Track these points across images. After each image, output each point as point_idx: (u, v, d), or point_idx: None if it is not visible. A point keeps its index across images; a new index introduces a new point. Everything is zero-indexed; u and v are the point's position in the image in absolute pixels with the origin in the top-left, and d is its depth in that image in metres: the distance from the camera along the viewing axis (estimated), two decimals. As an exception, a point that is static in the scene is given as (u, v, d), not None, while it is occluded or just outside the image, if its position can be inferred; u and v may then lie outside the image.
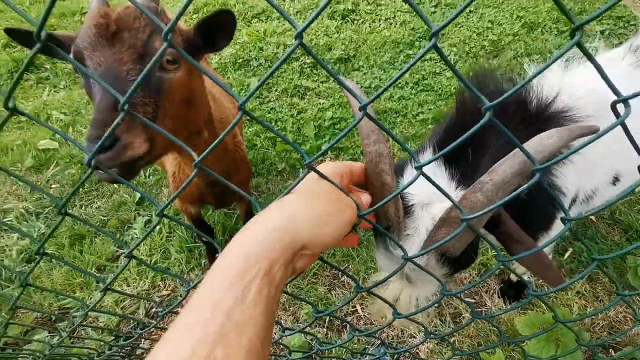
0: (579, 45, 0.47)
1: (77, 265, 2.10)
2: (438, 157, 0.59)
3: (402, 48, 3.67)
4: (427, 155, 1.03)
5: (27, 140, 3.00)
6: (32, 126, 3.18)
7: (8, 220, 2.43)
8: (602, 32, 3.63)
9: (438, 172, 0.96)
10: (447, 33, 3.83)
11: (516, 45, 3.52)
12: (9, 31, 0.90)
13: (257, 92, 3.37)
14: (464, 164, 0.94)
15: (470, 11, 4.08)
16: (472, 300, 1.93)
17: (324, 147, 0.61)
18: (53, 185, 2.69)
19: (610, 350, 1.65)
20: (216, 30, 0.98)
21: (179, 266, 2.13)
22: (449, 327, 1.81)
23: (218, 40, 0.99)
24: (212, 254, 2.10)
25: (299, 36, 0.49)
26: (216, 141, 0.56)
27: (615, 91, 0.50)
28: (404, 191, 0.87)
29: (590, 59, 0.48)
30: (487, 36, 3.71)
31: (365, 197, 0.71)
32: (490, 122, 0.53)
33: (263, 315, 0.44)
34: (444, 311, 1.89)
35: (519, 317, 1.52)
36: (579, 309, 1.82)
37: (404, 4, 4.30)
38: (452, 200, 0.63)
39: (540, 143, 0.64)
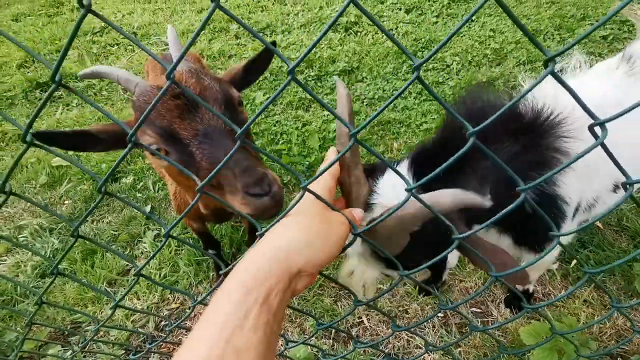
0: (553, 74, 0.50)
1: (88, 282, 2.16)
2: (428, 179, 0.61)
3: (404, 59, 3.71)
4: (403, 167, 1.06)
5: (41, 157, 3.09)
6: (46, 144, 3.28)
7: (23, 237, 2.50)
8: (605, 38, 3.63)
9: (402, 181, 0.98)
10: (449, 43, 3.86)
11: (518, 53, 3.54)
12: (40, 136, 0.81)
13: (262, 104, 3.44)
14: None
15: (472, 20, 4.11)
16: (478, 310, 1.92)
17: (319, 169, 0.64)
18: (66, 202, 2.77)
19: (618, 359, 1.63)
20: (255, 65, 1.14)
21: (187, 279, 2.17)
22: (454, 337, 1.81)
23: (254, 75, 1.14)
24: (219, 268, 2.14)
25: (291, 72, 0.53)
26: (217, 168, 0.60)
27: (591, 115, 0.53)
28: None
29: (565, 86, 0.51)
30: (489, 45, 3.73)
31: (357, 213, 0.74)
32: (475, 145, 0.56)
33: (262, 342, 0.48)
34: (450, 321, 1.89)
35: (523, 327, 1.52)
36: (586, 318, 1.80)
37: (405, 15, 4.36)
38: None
39: (437, 200, 0.67)
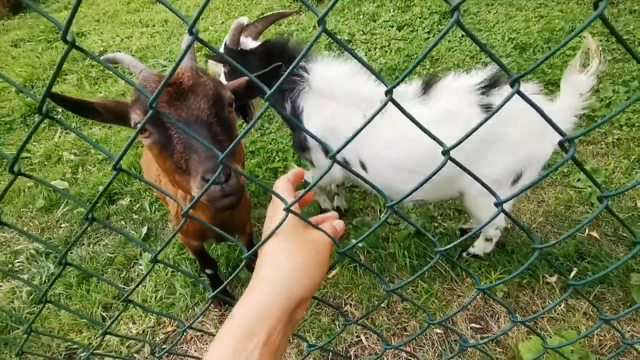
0: (519, 93, 0.51)
1: (84, 307, 2.14)
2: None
3: (397, 74, 3.76)
4: None
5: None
6: (44, 167, 3.30)
7: (19, 262, 2.49)
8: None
9: None
10: (441, 58, 3.93)
11: (509, 66, 3.60)
12: (56, 97, 0.90)
13: (258, 123, 3.47)
14: None
15: (462, 36, 4.19)
16: (478, 326, 1.90)
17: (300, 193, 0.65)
18: (63, 225, 2.77)
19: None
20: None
21: (183, 301, 2.15)
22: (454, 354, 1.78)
23: (255, 90, 1.18)
24: (215, 287, 2.12)
25: (269, 98, 0.55)
26: (208, 185, 0.61)
27: (559, 132, 0.54)
28: None
29: (532, 104, 0.53)
30: (480, 59, 3.80)
31: (338, 224, 0.71)
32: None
33: None
34: (449, 338, 1.87)
35: (523, 342, 1.50)
36: (586, 331, 1.78)
37: (397, 32, 4.45)
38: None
39: None
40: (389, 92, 0.53)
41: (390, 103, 0.54)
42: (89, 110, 0.99)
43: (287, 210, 0.63)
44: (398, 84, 0.52)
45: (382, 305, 2.02)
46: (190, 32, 0.50)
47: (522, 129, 1.57)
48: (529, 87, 1.62)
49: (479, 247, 2.14)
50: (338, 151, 0.57)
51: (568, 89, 1.62)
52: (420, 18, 4.61)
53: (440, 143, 0.55)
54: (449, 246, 0.65)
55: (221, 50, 2.00)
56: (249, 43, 1.96)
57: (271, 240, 0.61)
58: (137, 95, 1.01)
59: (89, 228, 2.70)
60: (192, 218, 0.70)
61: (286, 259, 0.58)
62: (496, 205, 0.60)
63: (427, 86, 1.66)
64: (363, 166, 1.82)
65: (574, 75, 1.57)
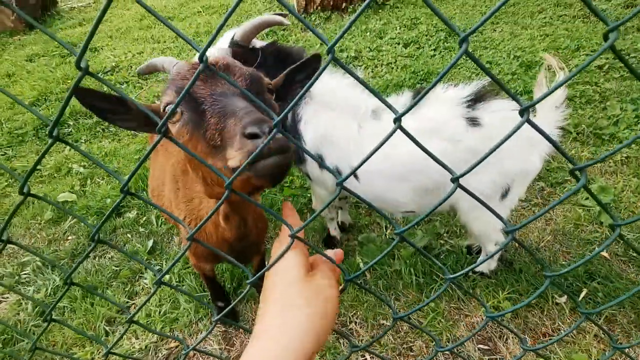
0: (529, 122, 0.51)
1: (83, 327, 2.13)
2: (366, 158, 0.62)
3: (404, 91, 3.79)
4: None
5: (47, 193, 3.15)
6: (53, 179, 3.35)
7: (25, 274, 2.50)
8: (600, 67, 3.70)
9: None
10: (447, 75, 3.96)
11: (515, 84, 3.61)
12: (80, 92, 0.78)
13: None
14: None
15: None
16: (486, 347, 1.86)
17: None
18: (69, 237, 2.79)
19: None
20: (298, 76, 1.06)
21: (187, 316, 2.14)
22: (462, 377, 1.74)
23: (296, 88, 1.06)
24: (218, 301, 2.08)
25: (277, 125, 0.55)
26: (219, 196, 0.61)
27: (570, 161, 0.54)
28: None
29: (540, 132, 0.53)
30: (485, 76, 3.81)
31: (338, 254, 0.72)
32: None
33: None
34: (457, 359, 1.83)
35: (532, 366, 1.47)
36: (597, 354, 1.73)
37: (404, 49, 4.51)
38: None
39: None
40: (397, 120, 0.54)
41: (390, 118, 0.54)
42: (117, 109, 0.86)
43: (294, 237, 0.63)
44: (406, 112, 0.52)
45: (388, 323, 1.99)
46: (201, 60, 0.51)
47: (508, 144, 1.57)
48: (516, 104, 1.65)
49: (483, 264, 2.12)
50: (345, 179, 0.57)
51: (543, 105, 1.66)
52: (426, 35, 4.67)
53: (450, 171, 0.55)
54: (458, 274, 0.64)
55: (224, 43, 1.89)
56: (255, 41, 1.87)
57: (277, 289, 0.60)
58: (171, 79, 0.91)
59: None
60: (198, 242, 0.70)
61: (298, 317, 0.57)
62: (507, 232, 0.59)
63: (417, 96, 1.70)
64: (355, 176, 1.83)
65: (542, 90, 1.62)
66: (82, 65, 0.52)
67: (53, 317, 0.78)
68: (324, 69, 0.50)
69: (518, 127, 0.50)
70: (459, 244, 2.34)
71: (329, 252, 0.71)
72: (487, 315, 0.74)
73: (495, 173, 1.65)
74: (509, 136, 0.50)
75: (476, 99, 1.64)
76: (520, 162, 1.66)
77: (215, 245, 1.34)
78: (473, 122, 1.61)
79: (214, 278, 1.95)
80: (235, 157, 0.67)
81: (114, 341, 0.79)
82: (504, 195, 1.72)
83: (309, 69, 1.04)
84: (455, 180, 0.55)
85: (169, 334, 2.08)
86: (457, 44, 4.44)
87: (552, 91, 0.50)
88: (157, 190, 1.78)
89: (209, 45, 0.50)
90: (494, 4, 5.13)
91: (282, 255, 0.62)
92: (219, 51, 1.01)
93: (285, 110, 0.55)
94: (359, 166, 0.55)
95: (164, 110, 0.87)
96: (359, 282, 0.73)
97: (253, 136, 0.64)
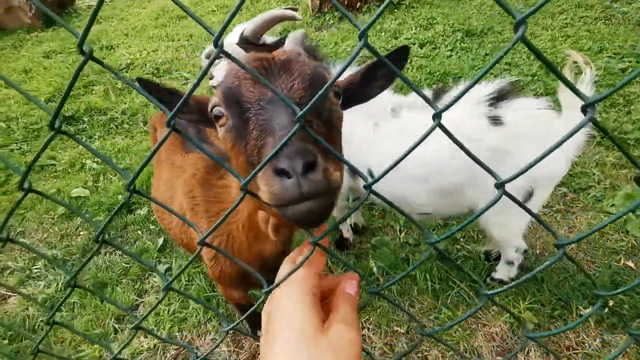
0: (592, 120, 0.45)
1: (92, 322, 2.11)
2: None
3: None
4: None
5: (61, 188, 3.16)
6: (67, 175, 3.36)
7: (36, 268, 2.50)
8: (623, 70, 3.56)
9: None
10: (464, 76, 3.87)
11: (535, 85, 3.50)
12: (142, 82, 0.74)
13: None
14: None
15: (486, 54, 4.13)
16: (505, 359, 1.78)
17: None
18: (81, 233, 2.78)
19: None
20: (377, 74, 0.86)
21: (196, 316, 2.10)
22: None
23: (377, 82, 0.87)
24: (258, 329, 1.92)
25: (300, 119, 0.50)
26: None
27: (615, 141, 0.47)
28: None
29: (605, 132, 0.46)
30: (505, 78, 3.71)
31: (352, 284, 0.61)
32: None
33: None
34: (474, 371, 1.75)
35: (558, 383, 1.38)
36: (626, 372, 1.64)
37: (419, 49, 4.42)
38: None
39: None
40: (437, 117, 0.48)
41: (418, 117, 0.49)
42: (172, 100, 0.78)
43: (314, 244, 0.57)
44: (447, 108, 0.47)
45: (402, 331, 1.93)
46: (215, 44, 0.46)
47: (533, 145, 1.53)
48: (540, 103, 1.60)
49: (502, 271, 2.04)
50: (374, 182, 0.52)
51: (568, 103, 1.59)
52: (442, 36, 4.58)
53: (494, 175, 0.49)
54: (496, 291, 0.58)
55: (233, 38, 1.81)
56: (265, 37, 1.77)
57: (284, 343, 0.50)
58: (224, 76, 0.79)
59: (107, 236, 2.71)
60: (209, 246, 0.63)
61: None
62: (558, 247, 0.53)
63: (437, 96, 1.66)
64: (371, 174, 1.77)
65: (566, 89, 1.55)
66: (85, 49, 0.48)
67: (55, 320, 0.74)
68: (357, 53, 0.45)
69: (582, 126, 0.44)
70: (477, 249, 2.25)
71: (347, 277, 0.61)
72: (527, 335, 0.67)
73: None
74: (574, 132, 0.44)
75: (498, 98, 1.59)
76: (547, 165, 1.59)
77: (246, 261, 1.10)
78: (495, 120, 1.56)
79: (249, 306, 1.68)
80: (262, 192, 0.57)
81: (120, 348, 0.75)
82: (527, 199, 1.65)
83: (397, 62, 0.81)
84: (500, 185, 0.49)
85: (177, 335, 2.04)
86: (474, 45, 4.35)
87: (621, 87, 0.43)
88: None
89: (222, 31, 0.45)
90: (511, 3, 5.01)
91: (298, 267, 0.56)
92: (291, 41, 0.85)
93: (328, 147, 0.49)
94: (394, 166, 0.49)
95: (211, 111, 0.77)
96: (383, 293, 0.67)
97: (282, 172, 0.54)
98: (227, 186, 1.20)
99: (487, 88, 1.64)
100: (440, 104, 1.65)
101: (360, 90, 0.87)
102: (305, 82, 0.72)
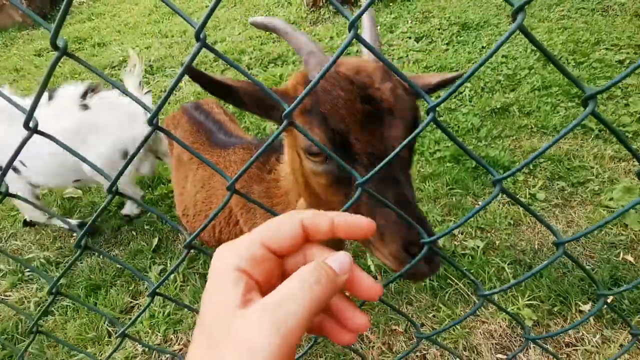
0: (594, 114, 0.42)
1: (84, 326, 2.07)
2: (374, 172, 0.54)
3: (415, 86, 3.68)
4: None
5: (52, 188, 3.11)
6: (59, 175, 3.31)
7: (28, 271, 2.46)
8: (621, 62, 3.54)
9: None
10: (460, 69, 3.83)
11: (532, 78, 3.47)
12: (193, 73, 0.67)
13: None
14: None
15: (482, 47, 4.10)
16: (503, 357, 1.76)
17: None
18: (74, 234, 2.74)
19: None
20: None
21: (192, 318, 2.07)
22: (479, 387, 1.65)
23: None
24: None
25: (288, 116, 0.47)
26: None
27: (615, 132, 0.44)
28: None
29: (608, 126, 0.43)
30: (501, 70, 3.68)
31: (343, 261, 0.41)
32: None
33: None
34: (473, 369, 1.74)
35: (558, 380, 1.37)
36: (626, 367, 1.63)
37: (415, 43, 4.38)
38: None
39: None
40: (431, 110, 0.45)
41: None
42: (228, 94, 0.75)
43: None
44: (442, 102, 0.44)
45: (400, 330, 1.91)
46: (197, 38, 0.43)
47: (112, 120, 2.25)
48: (117, 93, 2.33)
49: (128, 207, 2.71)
50: (365, 181, 0.49)
51: (130, 84, 2.38)
52: (439, 29, 4.54)
53: (491, 172, 0.46)
54: (494, 291, 0.55)
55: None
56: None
57: (205, 312, 0.38)
58: (313, 96, 0.70)
59: (100, 238, 2.67)
60: (197, 249, 0.61)
61: None
62: (557, 245, 0.50)
63: (51, 95, 2.24)
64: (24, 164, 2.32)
65: None
66: (59, 44, 0.44)
67: (40, 329, 0.70)
68: (346, 45, 0.42)
69: (582, 119, 0.41)
70: (475, 245, 2.23)
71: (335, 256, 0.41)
72: (526, 337, 0.65)
73: (109, 141, 2.25)
74: (577, 124, 0.40)
75: (87, 92, 2.25)
76: (128, 132, 2.28)
77: None
78: (84, 107, 2.22)
79: None
80: (388, 261, 0.65)
81: (107, 356, 0.71)
82: (124, 155, 2.30)
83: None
84: (497, 182, 0.46)
85: (173, 337, 2.01)
86: (471, 38, 4.31)
87: (622, 79, 0.40)
88: (192, 210, 1.60)
89: (204, 24, 0.42)
90: (509, -3, 4.96)
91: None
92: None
93: (274, 135, 0.46)
94: (386, 163, 0.46)
95: (306, 149, 0.73)
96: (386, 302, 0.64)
97: (409, 252, 0.62)
98: (278, 180, 1.18)
99: (80, 86, 2.27)
100: (54, 97, 2.25)
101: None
102: (407, 126, 0.70)
